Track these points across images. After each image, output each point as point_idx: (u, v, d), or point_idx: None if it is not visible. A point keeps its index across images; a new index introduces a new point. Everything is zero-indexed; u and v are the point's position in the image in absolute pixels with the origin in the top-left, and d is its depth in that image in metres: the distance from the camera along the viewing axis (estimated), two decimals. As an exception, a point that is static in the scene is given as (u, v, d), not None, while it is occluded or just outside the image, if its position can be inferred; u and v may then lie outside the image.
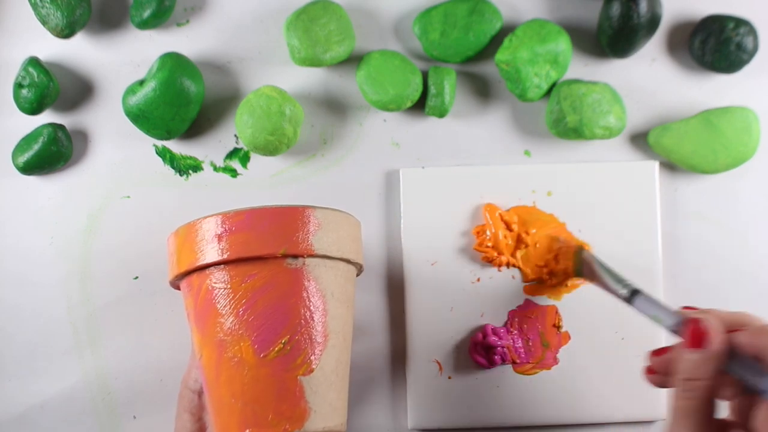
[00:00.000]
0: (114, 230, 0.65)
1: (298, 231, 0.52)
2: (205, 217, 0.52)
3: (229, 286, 0.51)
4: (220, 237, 0.51)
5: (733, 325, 0.46)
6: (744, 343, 0.45)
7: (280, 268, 0.51)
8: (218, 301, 0.51)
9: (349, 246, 0.54)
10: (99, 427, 0.64)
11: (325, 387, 0.51)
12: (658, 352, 0.50)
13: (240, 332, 0.51)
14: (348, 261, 0.54)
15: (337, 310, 0.53)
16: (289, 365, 0.50)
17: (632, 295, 0.54)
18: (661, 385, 0.50)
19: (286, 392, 0.50)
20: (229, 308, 0.51)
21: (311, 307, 0.52)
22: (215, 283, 0.52)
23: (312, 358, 0.51)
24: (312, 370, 0.51)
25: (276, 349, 0.50)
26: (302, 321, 0.51)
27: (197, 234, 0.52)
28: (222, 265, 0.52)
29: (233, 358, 0.51)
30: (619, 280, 0.56)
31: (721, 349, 0.45)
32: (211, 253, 0.51)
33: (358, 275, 0.58)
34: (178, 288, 0.57)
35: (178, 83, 0.62)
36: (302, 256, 0.51)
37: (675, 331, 0.49)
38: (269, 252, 0.51)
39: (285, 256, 0.51)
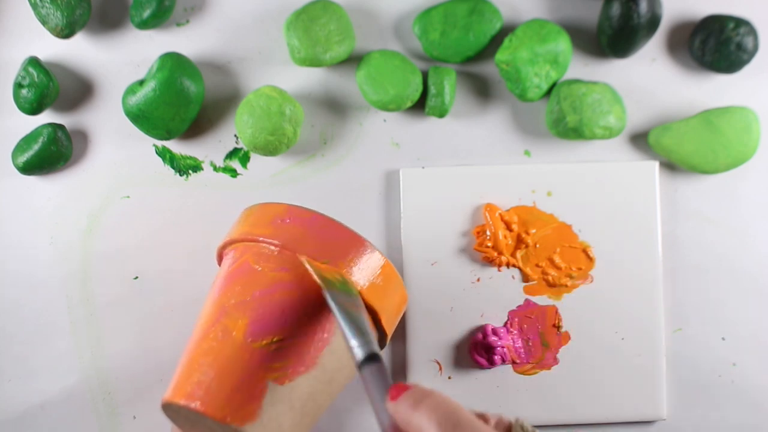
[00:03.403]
0: (114, 230, 0.65)
1: (347, 256, 0.52)
2: (279, 203, 0.55)
3: (261, 266, 0.52)
4: (280, 223, 0.53)
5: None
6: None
7: (311, 276, 0.51)
8: (246, 274, 0.52)
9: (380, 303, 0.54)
10: (99, 427, 0.64)
11: (286, 407, 0.50)
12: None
13: (245, 309, 0.51)
14: (370, 308, 0.53)
15: (338, 350, 0.52)
16: (266, 363, 0.50)
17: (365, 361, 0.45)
18: None
19: (249, 386, 0.50)
20: (250, 285, 0.52)
21: (315, 327, 0.51)
22: (253, 258, 0.53)
23: (290, 371, 0.50)
24: (283, 383, 0.50)
25: (265, 342, 0.50)
26: (301, 333, 0.51)
27: (264, 213, 0.54)
28: (267, 246, 0.53)
29: (225, 329, 0.51)
30: (361, 334, 0.47)
31: None
32: (264, 231, 0.53)
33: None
34: (221, 258, 0.57)
35: (178, 83, 0.62)
36: None
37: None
38: (313, 256, 0.52)
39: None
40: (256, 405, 0.49)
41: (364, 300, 0.53)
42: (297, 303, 0.51)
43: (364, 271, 0.53)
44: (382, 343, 0.57)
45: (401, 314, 0.57)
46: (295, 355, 0.51)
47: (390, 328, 0.55)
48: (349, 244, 0.53)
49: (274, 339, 0.50)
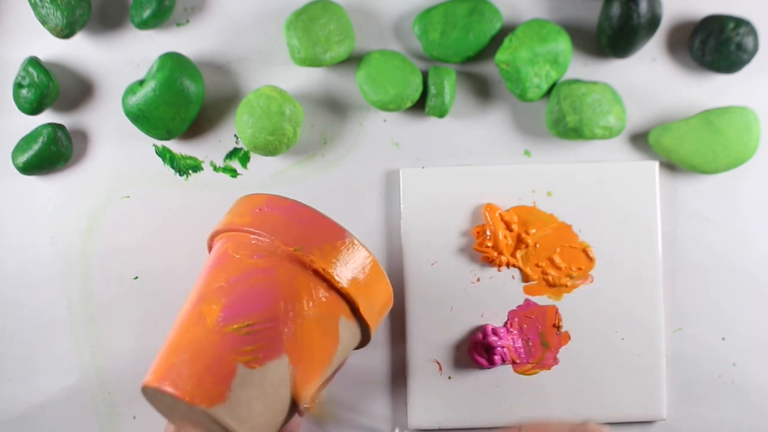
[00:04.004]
0: (114, 230, 0.65)
1: (324, 244, 0.53)
2: (261, 194, 0.55)
3: (238, 254, 0.53)
4: (258, 212, 0.54)
5: None
6: None
7: (288, 263, 0.52)
8: (225, 262, 0.53)
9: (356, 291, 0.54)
10: (99, 427, 0.64)
11: (256, 391, 0.50)
12: None
13: (219, 295, 0.52)
14: (347, 297, 0.53)
15: (313, 337, 0.52)
16: (236, 347, 0.50)
17: None
18: None
19: (218, 369, 0.50)
20: (227, 271, 0.52)
21: (288, 314, 0.51)
22: (233, 246, 0.53)
23: (261, 356, 0.50)
24: (254, 367, 0.50)
25: (236, 326, 0.50)
26: (275, 319, 0.51)
27: (246, 203, 0.55)
28: (246, 234, 0.53)
29: (200, 314, 0.51)
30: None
31: None
32: (244, 220, 0.54)
33: (362, 344, 0.57)
34: (210, 251, 0.58)
35: (178, 83, 0.62)
36: (311, 267, 0.52)
37: None
38: (287, 243, 0.52)
39: (297, 258, 0.52)
40: (224, 387, 0.49)
41: (340, 290, 0.53)
42: (270, 289, 0.51)
43: (339, 259, 0.53)
44: (365, 336, 0.56)
45: (387, 306, 0.57)
46: (267, 340, 0.51)
47: (372, 320, 0.55)
48: (326, 232, 0.53)
49: (246, 323, 0.51)
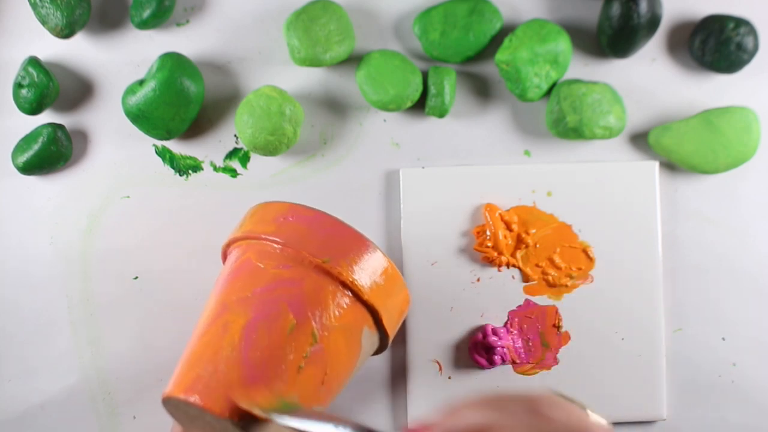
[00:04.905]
0: (114, 230, 0.65)
1: (348, 254, 0.52)
2: (282, 201, 0.55)
3: (263, 264, 0.52)
4: (282, 221, 0.53)
5: None
6: None
7: (315, 274, 0.52)
8: (248, 271, 0.53)
9: (378, 298, 0.54)
10: (99, 427, 0.64)
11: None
12: None
13: (245, 305, 0.51)
14: (371, 308, 0.53)
15: (338, 348, 0.52)
16: None
17: None
18: None
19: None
20: (252, 281, 0.52)
21: (318, 323, 0.51)
22: (256, 255, 0.53)
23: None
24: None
25: None
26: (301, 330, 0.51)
27: (268, 211, 0.55)
28: (269, 243, 0.53)
29: (225, 324, 0.51)
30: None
31: None
32: (267, 229, 0.53)
33: (379, 352, 0.57)
34: (226, 257, 0.58)
35: (178, 83, 0.61)
36: (339, 278, 0.52)
37: None
38: (314, 254, 0.52)
39: (324, 269, 0.52)
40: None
41: (366, 301, 0.53)
42: (298, 300, 0.51)
43: (365, 271, 0.53)
44: (383, 344, 0.57)
45: (404, 315, 0.57)
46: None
47: (391, 329, 0.55)
48: (352, 243, 0.53)
49: None
